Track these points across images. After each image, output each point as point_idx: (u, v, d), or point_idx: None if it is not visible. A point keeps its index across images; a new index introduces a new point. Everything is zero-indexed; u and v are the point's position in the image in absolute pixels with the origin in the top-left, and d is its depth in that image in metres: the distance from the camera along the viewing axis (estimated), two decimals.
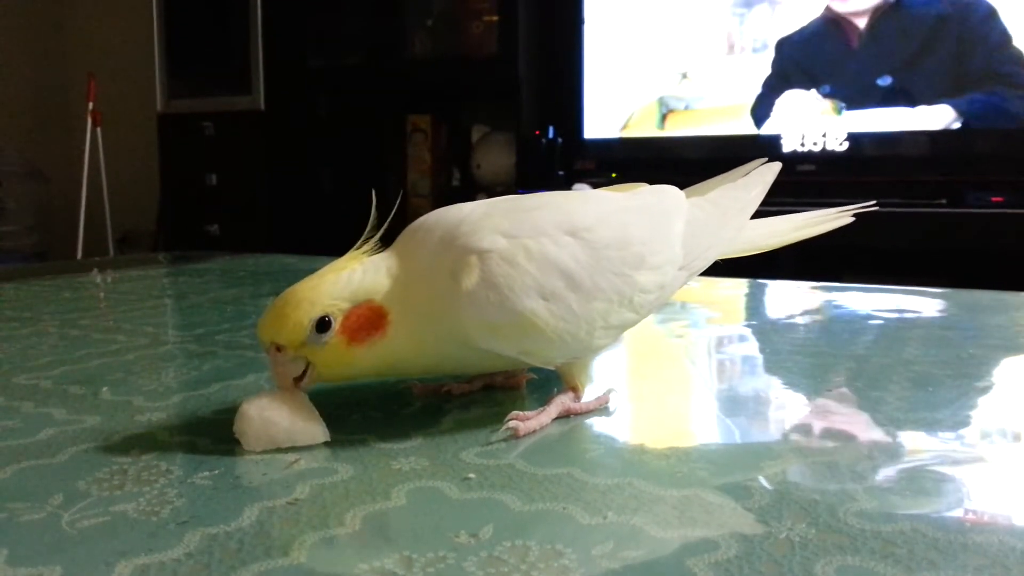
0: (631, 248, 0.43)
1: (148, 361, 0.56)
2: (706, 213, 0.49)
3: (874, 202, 0.55)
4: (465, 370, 0.45)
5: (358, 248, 0.41)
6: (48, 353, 0.58)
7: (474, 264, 0.40)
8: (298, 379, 0.40)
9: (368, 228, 0.41)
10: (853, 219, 0.55)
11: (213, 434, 0.40)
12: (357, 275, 0.40)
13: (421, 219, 0.44)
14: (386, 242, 0.42)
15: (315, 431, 0.39)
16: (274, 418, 0.38)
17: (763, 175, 0.53)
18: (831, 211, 0.55)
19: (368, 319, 0.39)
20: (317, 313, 0.39)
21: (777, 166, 0.53)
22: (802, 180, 1.94)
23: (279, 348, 0.39)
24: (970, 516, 0.31)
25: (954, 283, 0.87)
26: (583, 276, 0.41)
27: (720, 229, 0.49)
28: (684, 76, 2.13)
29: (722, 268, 0.53)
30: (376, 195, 0.41)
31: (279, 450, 0.38)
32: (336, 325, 0.39)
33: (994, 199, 1.78)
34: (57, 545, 0.29)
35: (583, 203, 0.45)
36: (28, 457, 0.37)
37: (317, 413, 0.39)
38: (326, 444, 0.38)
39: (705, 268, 0.49)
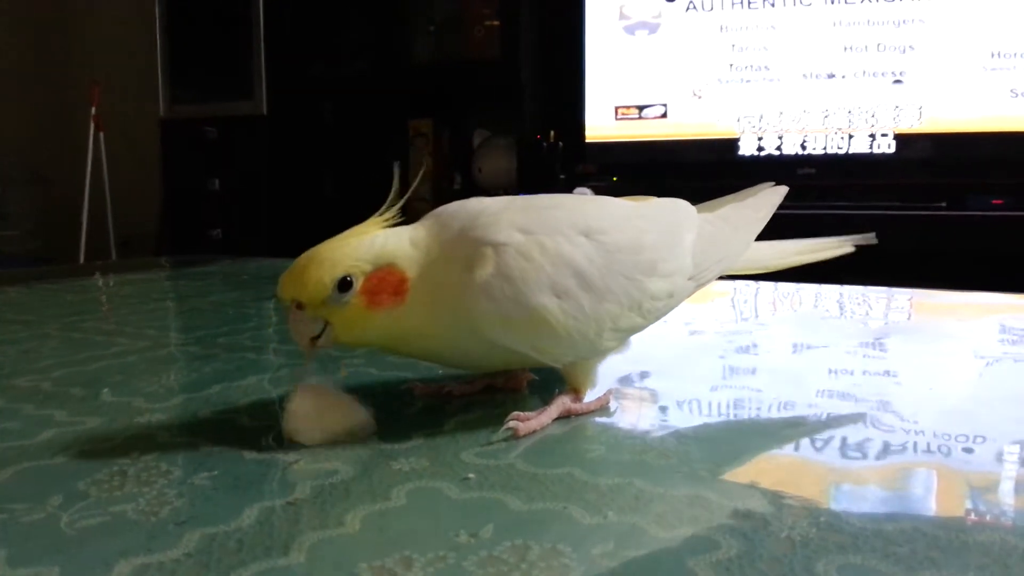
0: (643, 254, 0.43)
1: (149, 363, 0.56)
2: (716, 228, 0.49)
3: (873, 234, 0.56)
4: (471, 362, 0.45)
5: (379, 215, 0.41)
6: (49, 355, 0.58)
7: (489, 256, 0.40)
8: (315, 338, 0.40)
9: (390, 198, 0.41)
10: (854, 249, 0.56)
11: (213, 435, 0.40)
12: (380, 239, 0.40)
13: (444, 206, 0.44)
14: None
15: (366, 420, 0.40)
16: (326, 411, 0.39)
17: (770, 197, 0.54)
18: (834, 239, 0.55)
19: (389, 283, 0.39)
20: (339, 272, 0.39)
21: (784, 189, 0.54)
22: (802, 184, 1.94)
23: (300, 306, 0.39)
24: (972, 515, 0.31)
25: (954, 286, 0.87)
26: (595, 277, 0.41)
27: (729, 244, 0.50)
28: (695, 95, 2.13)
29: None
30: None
31: (278, 450, 0.38)
32: (357, 285, 0.39)
33: (995, 202, 1.78)
34: (56, 545, 0.29)
35: (598, 207, 0.45)
36: (28, 458, 0.37)
37: (359, 404, 0.40)
38: (325, 445, 0.38)
39: (712, 281, 0.50)
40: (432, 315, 0.40)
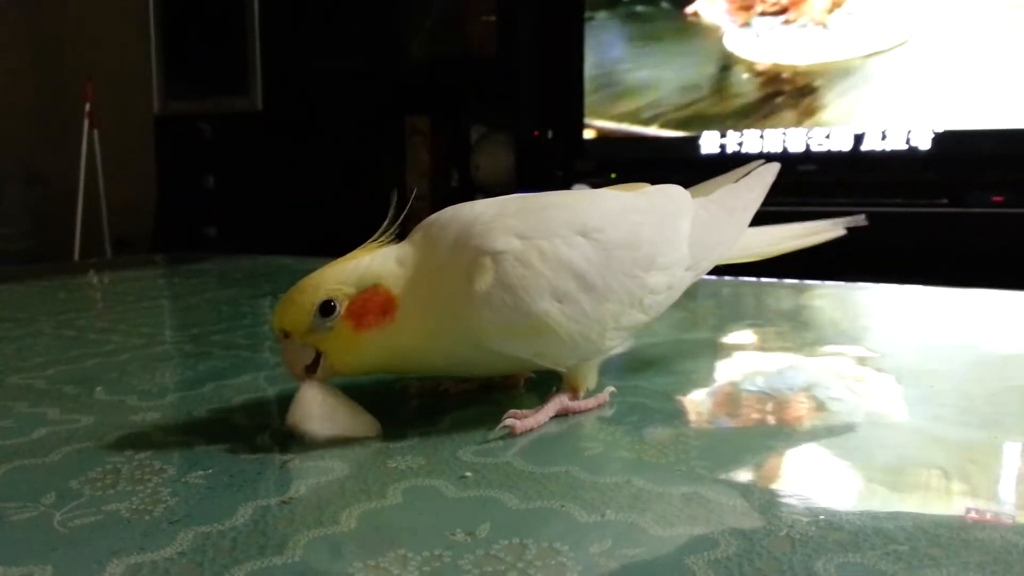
0: (641, 249, 0.43)
1: (143, 361, 0.55)
2: (711, 214, 0.49)
3: (863, 216, 0.56)
4: (473, 371, 0.45)
5: (372, 241, 0.41)
6: (43, 353, 0.57)
7: (488, 265, 0.39)
8: (311, 369, 0.40)
9: (385, 223, 0.41)
10: (845, 232, 0.55)
11: (208, 433, 0.40)
12: (365, 262, 0.40)
13: (434, 216, 0.43)
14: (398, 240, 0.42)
15: (372, 422, 0.39)
16: (337, 404, 0.39)
17: (763, 176, 0.53)
18: (825, 222, 0.55)
19: (375, 304, 0.39)
20: (321, 297, 0.39)
21: (775, 167, 0.53)
22: (804, 180, 1.94)
23: (287, 334, 0.39)
24: (972, 513, 0.31)
25: (955, 283, 0.87)
26: (595, 277, 0.41)
27: (725, 230, 0.49)
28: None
29: (727, 266, 0.53)
30: (378, 197, 0.41)
31: (272, 449, 0.37)
32: (341, 309, 0.39)
33: (995, 199, 1.78)
34: (49, 544, 0.28)
35: (593, 203, 0.44)
36: (21, 456, 0.37)
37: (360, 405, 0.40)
38: (321, 443, 0.38)
39: (710, 269, 0.49)
40: (429, 329, 0.40)
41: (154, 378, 0.51)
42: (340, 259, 0.41)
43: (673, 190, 0.49)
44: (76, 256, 2.78)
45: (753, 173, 0.53)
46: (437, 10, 2.46)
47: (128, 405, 0.45)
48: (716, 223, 0.49)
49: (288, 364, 0.40)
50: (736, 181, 0.53)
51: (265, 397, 0.46)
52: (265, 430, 0.40)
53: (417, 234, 0.43)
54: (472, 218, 0.41)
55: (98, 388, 0.48)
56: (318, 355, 0.40)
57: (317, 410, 0.38)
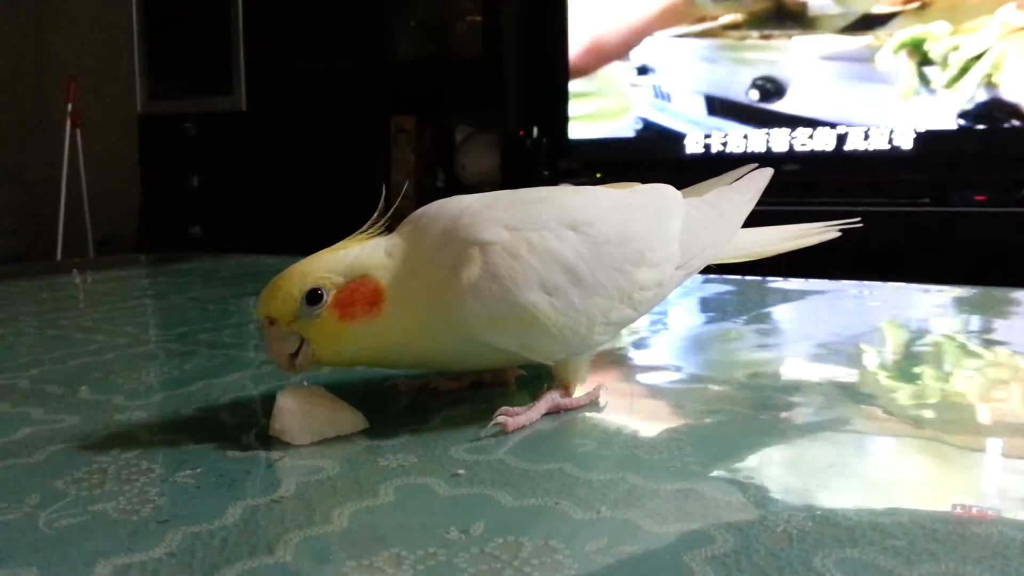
0: (632, 245, 0.43)
1: (128, 360, 0.54)
2: (703, 214, 0.49)
3: (858, 219, 0.56)
4: (460, 365, 0.44)
5: (361, 232, 0.41)
6: (26, 353, 0.57)
7: (476, 256, 0.39)
8: (293, 356, 0.39)
9: (376, 214, 0.41)
10: (840, 234, 0.56)
11: (195, 432, 0.39)
12: (354, 252, 0.40)
13: (423, 208, 0.43)
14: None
15: (355, 418, 0.39)
16: (314, 410, 0.38)
17: (755, 180, 0.53)
18: (819, 225, 0.55)
19: (362, 294, 0.39)
20: (308, 285, 0.38)
21: (769, 172, 0.54)
22: (786, 180, 1.94)
23: (272, 322, 0.39)
24: (969, 507, 0.31)
25: (938, 280, 0.87)
26: (585, 271, 0.40)
27: (716, 230, 0.50)
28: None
29: (719, 266, 0.53)
30: (363, 196, 0.41)
31: (261, 447, 0.37)
32: (328, 298, 0.38)
33: (977, 198, 1.79)
34: (33, 545, 0.28)
35: (584, 198, 0.44)
36: (4, 457, 0.36)
37: (346, 403, 0.39)
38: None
39: (700, 268, 0.49)
40: (417, 321, 0.39)
41: (140, 377, 0.50)
42: (328, 248, 0.40)
43: (664, 189, 0.49)
44: (59, 256, 2.75)
45: (746, 176, 0.53)
46: (422, 10, 2.45)
47: (114, 404, 0.44)
48: (708, 223, 0.49)
49: (271, 352, 0.40)
50: (730, 184, 0.53)
51: (252, 396, 0.46)
52: (252, 429, 0.39)
53: (406, 227, 0.42)
54: (460, 210, 0.41)
55: (83, 387, 0.47)
56: (302, 344, 0.39)
57: (296, 421, 0.38)
